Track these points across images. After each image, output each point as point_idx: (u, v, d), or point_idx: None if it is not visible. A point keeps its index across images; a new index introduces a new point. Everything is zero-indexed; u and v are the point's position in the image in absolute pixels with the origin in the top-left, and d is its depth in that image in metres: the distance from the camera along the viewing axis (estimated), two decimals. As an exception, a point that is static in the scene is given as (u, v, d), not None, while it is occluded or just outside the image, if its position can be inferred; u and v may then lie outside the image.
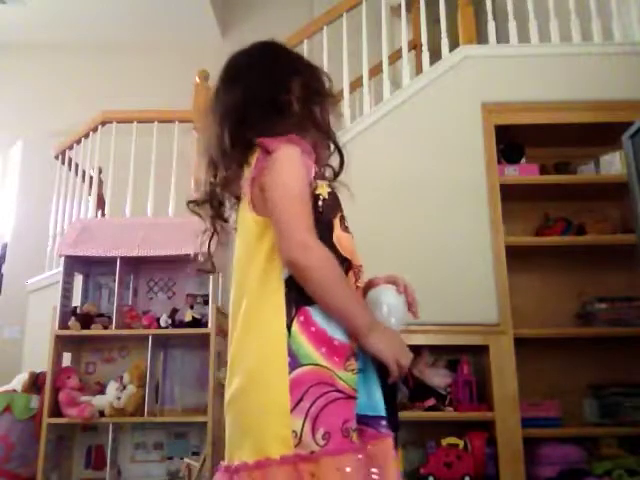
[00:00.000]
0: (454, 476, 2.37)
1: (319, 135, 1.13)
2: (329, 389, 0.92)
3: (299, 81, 1.13)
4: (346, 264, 1.02)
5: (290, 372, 0.93)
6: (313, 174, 1.05)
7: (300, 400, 0.91)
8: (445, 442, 2.47)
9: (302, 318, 0.96)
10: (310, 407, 0.91)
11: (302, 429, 0.90)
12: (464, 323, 2.57)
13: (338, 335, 0.97)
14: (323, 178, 1.10)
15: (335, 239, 1.02)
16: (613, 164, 2.83)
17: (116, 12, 5.04)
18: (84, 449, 2.82)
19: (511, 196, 2.78)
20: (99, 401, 2.63)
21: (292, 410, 0.91)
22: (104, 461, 2.69)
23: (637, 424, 2.51)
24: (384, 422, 0.98)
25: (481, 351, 2.62)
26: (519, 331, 2.58)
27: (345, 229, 1.06)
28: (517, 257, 2.71)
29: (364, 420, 0.97)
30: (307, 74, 1.17)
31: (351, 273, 1.03)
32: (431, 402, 2.51)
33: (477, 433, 2.50)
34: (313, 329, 0.96)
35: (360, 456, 0.91)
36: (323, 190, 1.04)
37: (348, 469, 0.88)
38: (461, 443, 2.47)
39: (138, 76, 5.13)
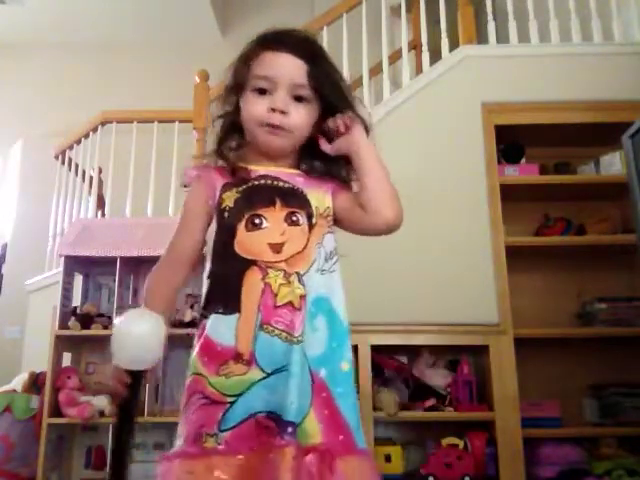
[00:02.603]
0: (454, 476, 2.37)
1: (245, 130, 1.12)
2: (199, 396, 0.99)
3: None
4: (247, 264, 1.02)
5: (186, 381, 1.03)
6: (219, 190, 1.08)
7: (184, 406, 1.01)
8: (445, 442, 2.47)
9: (200, 331, 1.04)
10: (186, 413, 1.00)
11: (180, 433, 1.00)
12: (464, 323, 2.57)
13: (222, 340, 1.00)
14: (239, 182, 1.08)
15: (236, 245, 1.03)
16: (613, 164, 2.83)
17: (116, 12, 5.04)
18: (84, 449, 2.82)
19: (511, 196, 2.78)
20: (99, 401, 2.63)
21: (180, 415, 1.02)
22: (104, 461, 2.69)
23: (637, 424, 2.51)
24: (290, 429, 0.94)
25: (481, 351, 2.62)
26: (519, 331, 2.58)
27: (253, 227, 1.04)
28: (517, 257, 2.71)
29: (278, 421, 0.95)
30: (229, 76, 1.16)
31: (255, 269, 1.01)
32: (431, 402, 2.51)
33: (477, 433, 2.50)
34: (203, 340, 1.02)
35: (195, 462, 0.95)
36: (229, 200, 1.07)
37: (179, 472, 0.96)
38: (461, 443, 2.47)
39: (138, 76, 5.13)
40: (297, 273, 1.02)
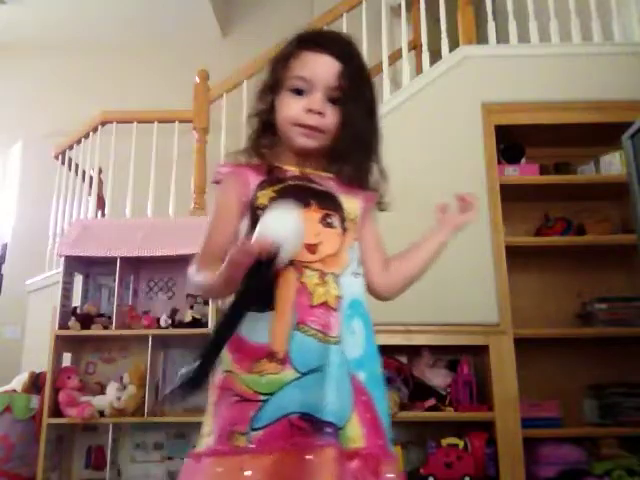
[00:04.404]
0: (454, 476, 2.37)
1: (278, 131, 1.11)
2: (229, 393, 0.98)
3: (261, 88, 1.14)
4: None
5: (215, 377, 1.02)
6: (254, 187, 1.07)
7: (213, 403, 1.00)
8: (445, 442, 2.47)
9: None
10: (216, 410, 0.99)
11: (209, 430, 0.99)
12: (464, 323, 2.57)
13: (255, 337, 0.98)
14: (275, 181, 1.07)
15: None
16: (613, 164, 2.83)
17: (116, 12, 5.04)
18: (84, 449, 2.82)
19: (511, 196, 2.78)
20: (99, 401, 2.63)
21: (209, 411, 1.01)
22: (104, 461, 2.69)
23: (637, 424, 2.51)
24: (329, 429, 0.92)
25: (481, 351, 2.62)
26: (519, 331, 2.58)
27: None
28: (517, 257, 2.71)
29: (313, 422, 0.93)
30: (267, 74, 1.14)
31: (291, 268, 0.99)
32: (431, 402, 2.51)
33: (477, 433, 2.50)
34: (234, 337, 0.98)
35: (227, 460, 0.93)
36: (264, 198, 1.05)
37: (209, 470, 0.94)
38: (461, 443, 2.47)
39: (138, 76, 5.13)
40: (333, 274, 1.02)
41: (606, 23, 3.00)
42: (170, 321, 2.72)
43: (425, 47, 3.14)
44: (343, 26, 3.22)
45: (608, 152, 2.84)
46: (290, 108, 1.08)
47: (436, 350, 2.65)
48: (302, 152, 1.10)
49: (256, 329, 0.98)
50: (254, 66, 3.29)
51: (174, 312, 2.79)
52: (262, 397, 0.95)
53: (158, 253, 2.74)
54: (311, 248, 1.02)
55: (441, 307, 2.61)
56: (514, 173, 2.84)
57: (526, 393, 2.53)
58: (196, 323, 2.68)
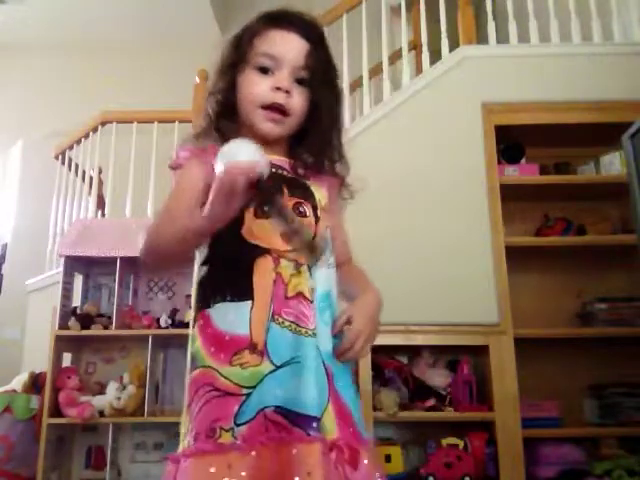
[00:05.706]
0: (454, 476, 2.37)
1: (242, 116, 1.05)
2: (208, 389, 0.93)
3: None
4: (258, 251, 0.96)
5: (189, 374, 0.97)
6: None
7: (191, 401, 0.94)
8: (445, 442, 2.47)
9: (201, 322, 0.98)
10: (194, 408, 0.93)
11: (188, 429, 0.93)
12: (464, 323, 2.57)
13: (232, 328, 0.94)
14: None
15: (244, 230, 0.97)
16: (613, 164, 2.83)
17: (116, 12, 5.04)
18: (84, 449, 2.82)
19: (511, 196, 2.78)
20: (99, 401, 2.63)
21: (187, 410, 0.95)
22: (104, 461, 2.70)
23: (637, 424, 2.51)
24: (315, 424, 0.90)
25: (481, 351, 2.62)
26: (519, 331, 2.58)
27: (262, 214, 0.97)
28: (517, 257, 2.71)
29: (293, 418, 0.90)
30: (228, 51, 1.11)
31: (269, 258, 0.96)
32: (431, 402, 2.51)
33: (477, 433, 2.50)
34: (209, 330, 0.96)
35: (213, 458, 0.88)
36: None
37: (194, 472, 0.89)
38: (461, 443, 2.47)
39: (138, 76, 5.13)
40: (308, 265, 0.98)
41: (606, 23, 3.00)
42: (170, 321, 2.72)
43: (425, 47, 3.14)
44: (343, 26, 3.22)
45: (608, 152, 2.84)
46: (255, 87, 1.03)
47: (436, 350, 2.65)
48: (265, 138, 1.04)
49: (232, 320, 0.95)
50: (254, 66, 3.29)
51: (174, 312, 2.79)
52: (245, 390, 0.91)
53: (158, 253, 2.74)
54: (287, 237, 0.96)
55: (441, 307, 2.61)
56: (514, 173, 2.84)
57: (526, 393, 2.52)
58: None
